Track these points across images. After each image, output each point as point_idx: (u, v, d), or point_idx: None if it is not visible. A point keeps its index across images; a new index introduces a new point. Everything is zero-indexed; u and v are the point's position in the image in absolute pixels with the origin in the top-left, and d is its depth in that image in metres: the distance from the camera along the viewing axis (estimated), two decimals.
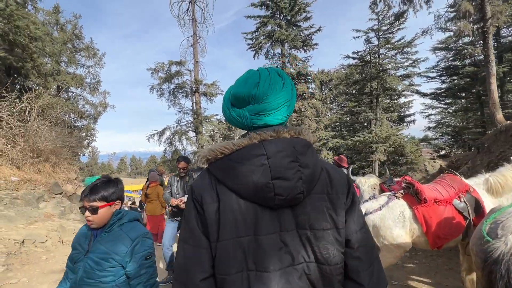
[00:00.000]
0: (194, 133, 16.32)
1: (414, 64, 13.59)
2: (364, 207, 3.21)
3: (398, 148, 14.87)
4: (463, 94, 15.69)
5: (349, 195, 0.81)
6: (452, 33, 14.74)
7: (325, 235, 0.74)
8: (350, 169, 5.31)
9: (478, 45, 12.78)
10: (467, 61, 15.01)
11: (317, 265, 0.73)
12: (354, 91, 17.15)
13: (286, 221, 0.74)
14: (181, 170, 3.85)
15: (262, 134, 0.74)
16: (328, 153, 14.33)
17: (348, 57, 15.28)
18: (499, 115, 7.08)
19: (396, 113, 16.78)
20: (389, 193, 3.25)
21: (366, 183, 4.76)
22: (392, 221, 2.98)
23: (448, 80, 15.92)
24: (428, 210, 2.89)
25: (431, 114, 19.47)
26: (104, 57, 14.73)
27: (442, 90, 16.25)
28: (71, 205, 4.84)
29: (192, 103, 16.57)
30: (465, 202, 2.91)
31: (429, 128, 19.28)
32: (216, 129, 16.72)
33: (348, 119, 18.95)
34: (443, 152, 19.37)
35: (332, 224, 0.75)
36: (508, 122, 4.74)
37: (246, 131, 0.81)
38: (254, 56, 15.10)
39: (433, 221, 2.86)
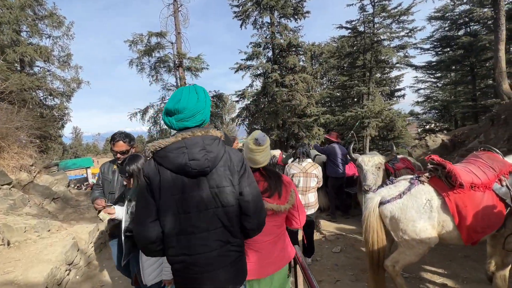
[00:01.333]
0: None
1: (410, 33, 12.67)
2: (379, 195, 2.55)
3: (390, 123, 14.41)
4: (456, 67, 15.08)
5: (242, 166, 1.28)
6: (449, 1, 13.85)
7: (226, 190, 1.21)
8: (351, 146, 4.67)
9: (478, 13, 11.97)
10: (462, 32, 14.27)
11: (222, 208, 1.20)
12: (346, 65, 16.21)
13: (202, 184, 1.19)
14: (119, 156, 2.41)
15: (183, 134, 1.20)
16: (319, 129, 13.69)
17: (341, 27, 14.12)
18: (506, 85, 6.50)
19: (388, 87, 16.12)
20: (411, 176, 2.59)
21: (370, 162, 4.11)
22: (416, 211, 2.34)
23: (441, 52, 15.21)
24: (463, 197, 2.25)
25: (421, 89, 19.02)
26: (73, 27, 12.83)
27: (434, 63, 15.61)
28: (25, 197, 3.99)
29: (176, 79, 15.25)
30: (507, 186, 2.29)
31: (417, 102, 18.88)
32: None
33: (339, 94, 18.21)
34: (427, 126, 19.19)
35: (230, 183, 1.22)
36: None
37: (176, 131, 1.26)
38: (241, 26, 13.73)
39: (468, 211, 2.23)
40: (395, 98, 17.45)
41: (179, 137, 1.17)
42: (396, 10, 12.47)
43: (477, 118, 14.27)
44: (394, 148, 4.10)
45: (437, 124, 19.17)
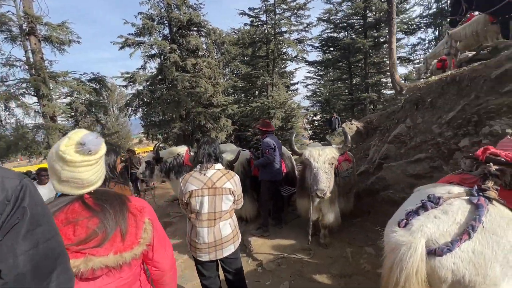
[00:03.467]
0: (36, 97, 10.34)
1: (307, 28, 12.97)
2: (421, 234, 1.20)
3: (291, 113, 14.69)
4: (337, 65, 16.91)
5: (14, 207, 0.58)
6: (332, 6, 15.10)
7: None
8: (293, 136, 3.35)
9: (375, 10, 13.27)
10: (342, 35, 15.99)
11: None
12: (249, 54, 15.42)
13: None
14: None
15: None
16: (227, 121, 12.31)
17: (244, 13, 13.06)
18: (397, 76, 6.95)
19: (287, 80, 16.48)
20: (463, 189, 1.36)
21: (321, 157, 2.86)
22: (500, 265, 1.11)
23: (328, 51, 16.67)
24: None
25: (309, 84, 20.92)
26: None
27: (318, 61, 17.07)
28: None
29: (26, 51, 10.26)
30: None
31: (307, 96, 20.67)
32: (76, 92, 11.18)
33: (242, 85, 17.43)
34: (310, 118, 21.60)
35: None
36: (459, 70, 3.89)
37: None
38: None
39: None
40: (290, 92, 18.25)
41: None
42: (295, 3, 12.39)
43: (354, 109, 16.54)
44: (349, 137, 3.03)
45: (321, 115, 21.72)
